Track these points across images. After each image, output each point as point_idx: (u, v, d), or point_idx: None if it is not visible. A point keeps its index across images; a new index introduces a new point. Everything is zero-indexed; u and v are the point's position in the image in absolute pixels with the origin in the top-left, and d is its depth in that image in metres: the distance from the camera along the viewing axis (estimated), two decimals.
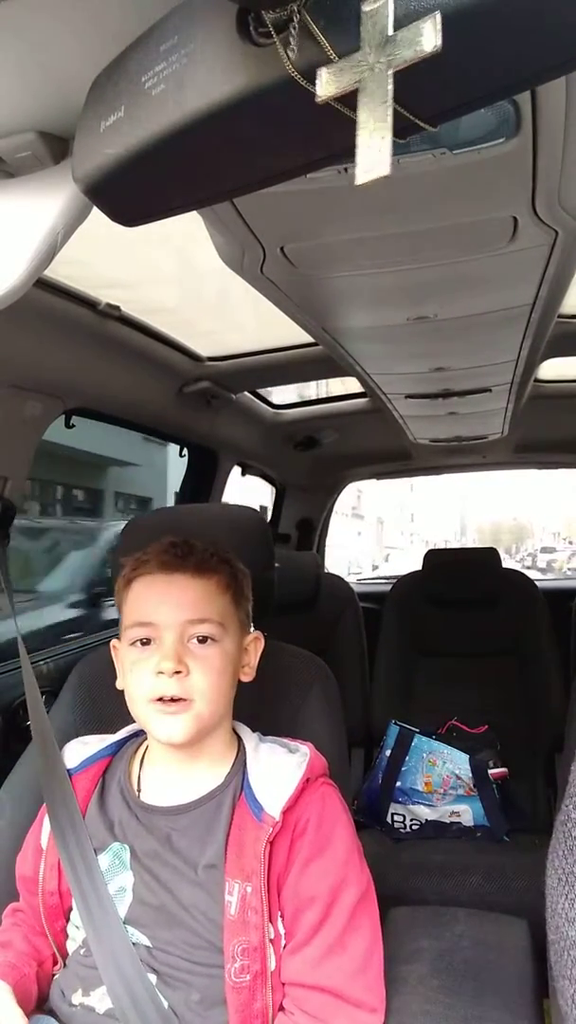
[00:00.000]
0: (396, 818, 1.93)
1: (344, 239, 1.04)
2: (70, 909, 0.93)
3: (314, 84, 0.45)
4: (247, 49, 0.47)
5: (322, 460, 2.70)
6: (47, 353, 1.36)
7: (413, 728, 2.01)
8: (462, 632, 2.32)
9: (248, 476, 2.71)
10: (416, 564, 2.50)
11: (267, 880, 0.84)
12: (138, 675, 0.89)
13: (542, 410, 2.23)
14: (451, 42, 0.40)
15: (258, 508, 2.89)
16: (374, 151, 0.42)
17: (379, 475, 3.46)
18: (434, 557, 2.52)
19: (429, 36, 0.40)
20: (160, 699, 0.87)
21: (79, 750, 0.99)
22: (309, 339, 1.60)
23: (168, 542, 0.93)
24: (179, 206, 0.61)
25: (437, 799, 1.91)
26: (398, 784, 1.95)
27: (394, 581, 2.55)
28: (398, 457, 2.85)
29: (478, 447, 2.67)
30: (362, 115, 0.42)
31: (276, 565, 1.19)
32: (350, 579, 3.69)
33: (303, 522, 3.10)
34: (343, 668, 2.15)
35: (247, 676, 0.96)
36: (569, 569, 15.63)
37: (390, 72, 0.41)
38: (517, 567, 3.41)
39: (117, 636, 0.97)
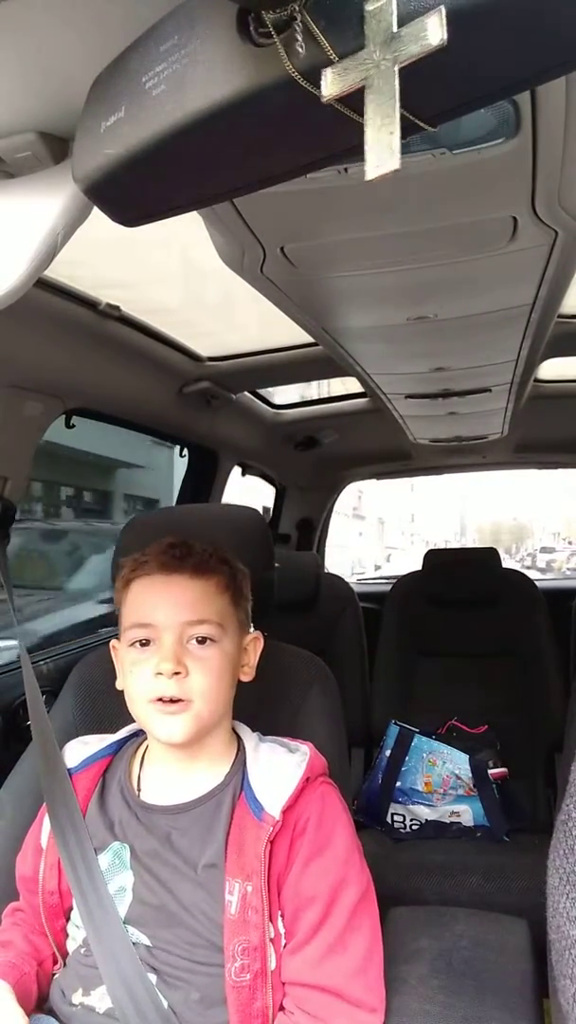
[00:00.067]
0: (396, 818, 1.93)
1: (344, 239, 1.04)
2: (70, 908, 0.93)
3: (314, 84, 0.45)
4: (247, 49, 0.47)
5: (322, 460, 2.70)
6: (47, 353, 1.36)
7: (413, 728, 2.01)
8: (462, 632, 2.32)
9: (251, 477, 2.71)
10: (417, 564, 2.50)
11: (267, 879, 0.84)
12: (137, 676, 0.89)
13: (542, 410, 2.23)
14: (452, 42, 0.40)
15: (261, 509, 2.90)
16: (383, 147, 0.42)
17: (379, 475, 3.46)
18: (434, 557, 2.52)
19: (435, 30, 0.40)
20: (160, 699, 0.87)
21: (79, 750, 0.99)
22: (309, 339, 1.60)
23: (167, 543, 0.93)
24: (179, 206, 0.61)
25: (437, 799, 1.91)
26: (398, 784, 1.95)
27: (394, 581, 2.55)
28: (398, 457, 2.85)
29: (478, 447, 2.67)
30: (369, 112, 0.42)
31: (276, 565, 1.19)
32: (353, 579, 3.70)
33: (303, 522, 3.10)
34: (343, 668, 2.15)
35: (247, 676, 0.96)
36: (568, 569, 15.64)
37: (396, 68, 0.41)
38: (517, 567, 3.40)
39: (117, 636, 0.97)
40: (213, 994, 0.84)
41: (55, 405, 1.47)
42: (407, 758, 1.97)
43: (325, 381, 2.34)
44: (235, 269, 1.14)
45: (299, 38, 0.44)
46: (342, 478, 3.22)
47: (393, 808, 1.94)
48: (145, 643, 0.89)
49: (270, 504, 3.04)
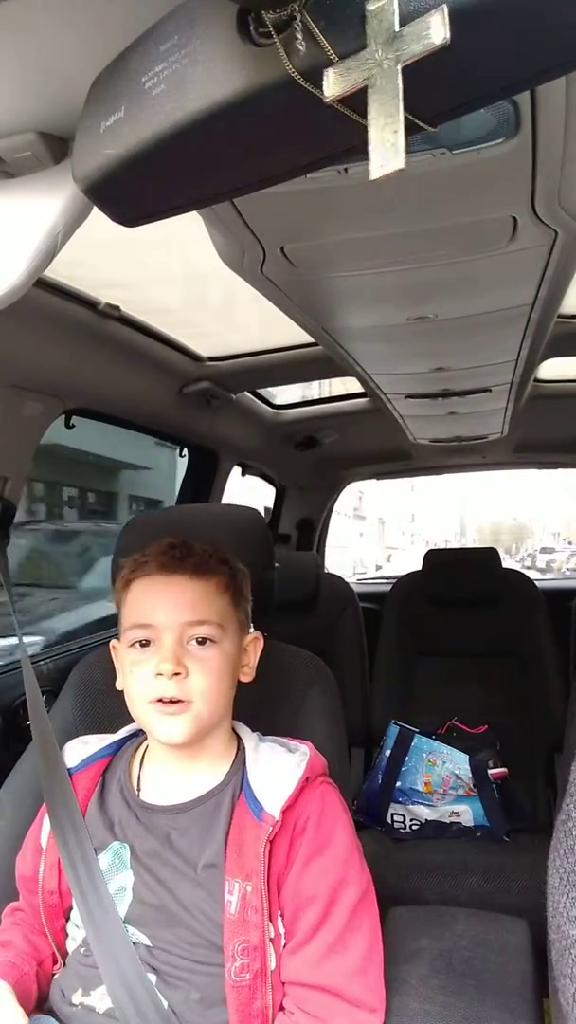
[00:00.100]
0: (396, 818, 1.93)
1: (344, 239, 1.04)
2: (70, 908, 0.93)
3: (314, 84, 0.45)
4: (247, 49, 0.47)
5: (322, 460, 2.70)
6: (47, 353, 1.36)
7: (413, 728, 2.01)
8: (462, 632, 2.32)
9: (252, 479, 2.71)
10: (418, 564, 2.50)
11: (267, 879, 0.84)
12: (137, 676, 0.89)
13: (542, 410, 2.23)
14: (453, 40, 0.40)
15: (263, 510, 2.90)
16: (387, 146, 0.42)
17: (379, 475, 3.46)
18: (434, 557, 2.52)
19: (437, 29, 0.40)
20: (159, 700, 0.87)
21: (79, 750, 0.99)
22: (309, 339, 1.60)
23: (167, 543, 0.93)
24: (179, 206, 0.61)
25: (437, 799, 1.91)
26: (398, 784, 1.95)
27: (394, 581, 2.55)
28: (398, 457, 2.85)
29: (478, 447, 2.67)
30: (373, 112, 0.42)
31: (276, 565, 1.19)
32: (356, 579, 3.69)
33: (303, 522, 3.10)
34: (343, 668, 2.15)
35: (247, 676, 0.96)
36: (568, 569, 15.64)
37: (399, 67, 0.41)
38: (517, 567, 3.41)
39: (117, 636, 0.97)
40: (213, 994, 0.84)
41: (55, 405, 1.47)
42: (407, 758, 1.97)
43: (326, 381, 2.33)
44: (235, 269, 1.14)
45: (299, 38, 0.44)
46: (342, 478, 3.22)
47: (393, 808, 1.94)
48: (145, 644, 0.89)
49: (271, 504, 3.04)
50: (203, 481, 2.33)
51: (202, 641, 0.89)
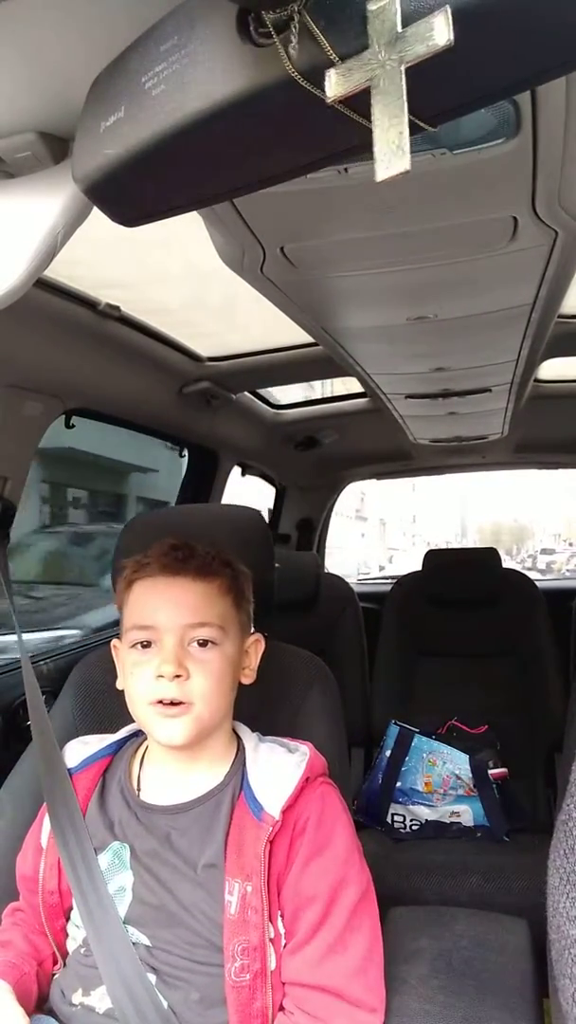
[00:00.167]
0: (396, 818, 1.93)
1: (344, 239, 1.04)
2: (70, 908, 0.93)
3: (315, 84, 0.45)
4: (247, 49, 0.47)
5: (322, 460, 2.70)
6: (47, 353, 1.36)
7: (413, 728, 2.01)
8: (462, 632, 2.32)
9: (253, 481, 2.71)
10: (420, 564, 2.50)
11: (267, 879, 0.84)
12: (138, 678, 0.89)
13: (542, 410, 2.23)
14: (455, 41, 0.40)
15: (266, 512, 2.90)
16: (392, 148, 0.42)
17: (379, 475, 3.46)
18: (434, 557, 2.52)
19: (441, 30, 0.40)
20: (160, 701, 0.87)
21: (79, 750, 0.99)
22: (309, 339, 1.60)
23: (169, 544, 0.93)
24: (179, 206, 0.61)
25: (437, 799, 1.91)
26: (398, 784, 1.95)
27: (395, 581, 2.55)
28: (398, 457, 2.85)
29: (478, 447, 2.67)
30: (377, 113, 0.42)
31: (276, 565, 1.19)
32: (359, 579, 3.69)
33: (303, 522, 3.10)
34: (343, 668, 2.15)
35: (247, 678, 0.95)
36: (568, 570, 15.64)
37: (402, 68, 0.41)
38: (518, 568, 3.41)
39: (118, 636, 0.97)
40: (213, 994, 0.84)
41: (55, 405, 1.47)
42: (407, 758, 1.97)
43: (330, 380, 2.33)
44: (235, 269, 1.14)
45: (299, 38, 0.44)
46: (342, 478, 3.22)
47: (393, 808, 1.94)
48: (146, 645, 0.89)
49: (271, 505, 3.04)
50: (203, 481, 2.33)
51: (203, 643, 0.89)
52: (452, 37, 0.40)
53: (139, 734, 1.00)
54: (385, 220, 0.98)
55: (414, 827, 1.91)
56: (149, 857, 0.90)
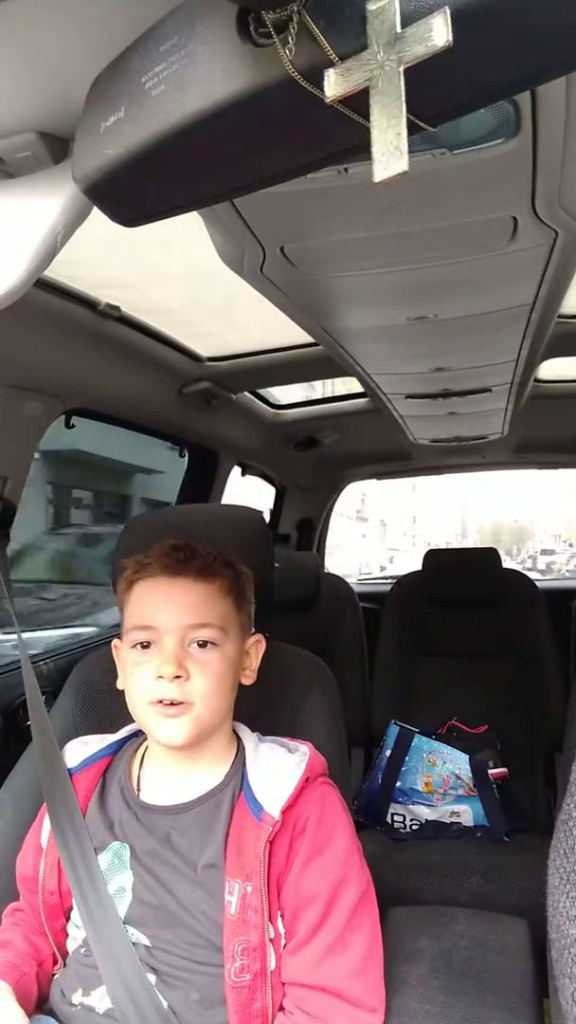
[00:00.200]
0: (396, 818, 1.93)
1: (344, 239, 1.04)
2: (70, 908, 0.93)
3: (315, 84, 0.45)
4: (247, 49, 0.47)
5: (322, 460, 2.70)
6: (47, 353, 1.36)
7: (413, 728, 2.01)
8: (462, 632, 2.32)
9: (255, 483, 2.71)
10: (420, 565, 2.50)
11: (267, 879, 0.84)
12: (138, 678, 0.89)
13: (542, 410, 2.23)
14: (454, 41, 0.40)
15: (268, 513, 2.90)
16: (390, 148, 0.42)
17: (379, 475, 3.46)
18: (434, 557, 2.52)
19: (440, 31, 0.40)
20: (160, 702, 0.87)
21: (79, 750, 0.99)
22: (309, 339, 1.60)
23: (170, 545, 0.93)
24: (179, 206, 0.61)
25: (437, 799, 1.91)
26: (398, 784, 1.95)
27: (395, 581, 2.55)
28: (398, 457, 2.85)
29: (478, 447, 2.67)
30: (375, 113, 0.42)
31: (276, 565, 1.19)
32: (362, 579, 3.68)
33: (303, 522, 3.10)
34: (343, 668, 2.15)
35: (248, 679, 0.95)
36: (567, 571, 15.64)
37: (401, 69, 0.41)
38: (518, 569, 3.41)
39: (118, 636, 0.97)
40: (213, 994, 0.84)
41: (55, 405, 1.47)
42: (407, 758, 1.97)
43: (329, 380, 2.34)
44: (235, 269, 1.14)
45: (299, 38, 0.44)
46: (342, 478, 3.22)
47: (393, 808, 1.94)
48: (146, 645, 0.89)
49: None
50: (203, 481, 2.33)
51: (203, 644, 0.89)
52: (451, 38, 0.40)
53: (139, 734, 1.00)
54: (385, 220, 0.98)
55: (414, 827, 1.91)
56: (149, 857, 0.90)
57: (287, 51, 0.45)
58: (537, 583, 2.41)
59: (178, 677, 0.86)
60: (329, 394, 2.47)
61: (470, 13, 0.41)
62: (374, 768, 2.02)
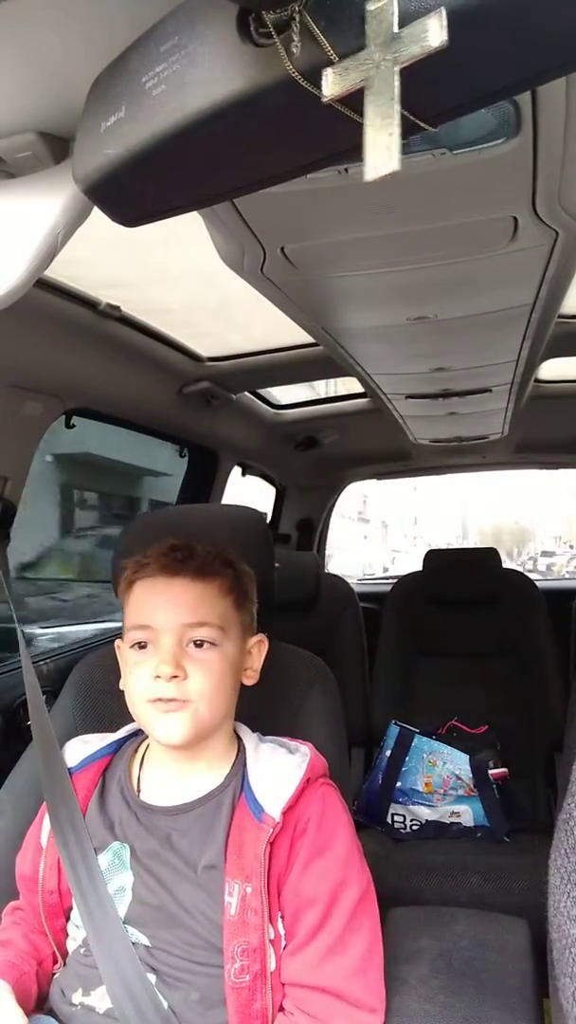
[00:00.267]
0: (396, 818, 1.93)
1: (344, 239, 1.04)
2: (70, 908, 0.93)
3: (315, 84, 0.45)
4: (247, 49, 0.47)
5: (322, 460, 2.70)
6: (47, 353, 1.36)
7: (413, 728, 2.01)
8: (462, 632, 2.32)
9: (256, 484, 2.71)
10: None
11: (267, 881, 0.84)
12: (136, 677, 0.89)
13: (542, 410, 2.23)
14: (453, 41, 0.40)
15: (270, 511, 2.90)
16: (382, 148, 0.42)
17: (379, 475, 3.46)
18: (434, 557, 2.52)
19: (435, 32, 0.40)
20: (159, 699, 0.87)
21: (80, 749, 0.99)
22: (309, 339, 1.60)
23: (169, 545, 0.93)
24: (179, 206, 0.61)
25: (437, 799, 1.91)
26: (398, 784, 1.95)
27: (395, 581, 2.55)
28: (398, 457, 2.85)
29: (478, 447, 2.67)
30: (369, 113, 0.42)
31: (276, 565, 1.19)
32: (366, 579, 3.68)
33: (303, 522, 3.10)
34: (343, 668, 2.15)
35: (250, 680, 0.95)
36: (567, 572, 15.64)
37: (396, 69, 0.41)
38: (518, 570, 3.42)
39: (120, 636, 0.97)
40: (213, 995, 0.84)
41: (55, 405, 1.47)
42: (407, 758, 1.97)
43: (331, 380, 2.34)
44: (235, 269, 1.14)
45: (299, 38, 0.44)
46: (342, 478, 3.22)
47: (393, 808, 1.94)
48: (144, 645, 0.89)
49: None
50: (203, 481, 2.33)
51: (201, 644, 0.88)
52: (446, 39, 0.40)
53: (139, 733, 1.00)
54: (385, 220, 0.98)
55: (414, 827, 1.91)
56: (149, 858, 0.90)
57: (287, 51, 0.45)
58: (538, 583, 2.41)
59: (175, 677, 0.86)
60: (332, 394, 2.47)
61: (470, 13, 0.41)
62: (374, 768, 2.02)
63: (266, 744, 0.95)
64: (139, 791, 0.95)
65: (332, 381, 2.32)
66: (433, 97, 0.47)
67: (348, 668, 2.24)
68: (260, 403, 2.26)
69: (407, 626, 2.37)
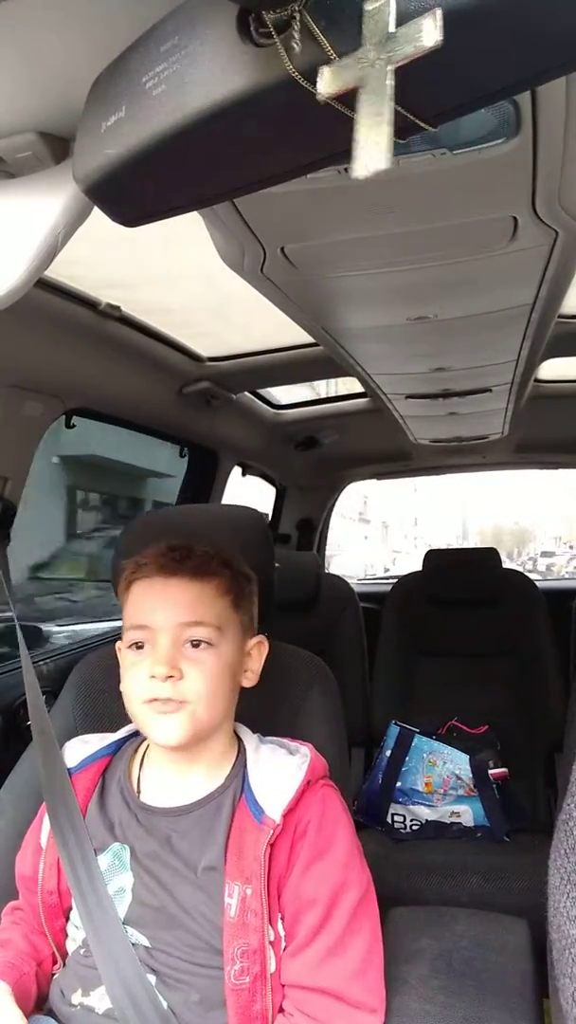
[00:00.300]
0: (396, 818, 1.93)
1: (344, 239, 1.04)
2: (69, 909, 0.93)
3: (315, 84, 0.45)
4: (248, 49, 0.47)
5: (322, 460, 2.70)
6: (47, 353, 1.36)
7: (413, 728, 2.01)
8: (462, 632, 2.32)
9: (257, 484, 2.71)
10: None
11: (267, 882, 0.84)
12: (133, 677, 0.88)
13: (542, 410, 2.23)
14: (451, 41, 0.40)
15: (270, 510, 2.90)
16: (372, 145, 0.42)
17: (379, 475, 3.46)
18: (434, 557, 2.52)
19: (429, 32, 0.40)
20: (155, 700, 0.86)
21: (80, 748, 0.99)
22: (309, 339, 1.60)
23: (166, 545, 0.92)
24: (179, 206, 0.61)
25: (437, 799, 1.91)
26: (398, 784, 1.95)
27: (395, 581, 2.56)
28: (398, 457, 2.85)
29: (478, 447, 2.67)
30: (362, 111, 0.42)
31: (276, 565, 1.19)
32: (366, 579, 3.68)
33: (303, 522, 3.10)
34: (343, 668, 2.15)
35: (249, 682, 0.94)
36: (567, 572, 15.65)
37: (390, 68, 0.41)
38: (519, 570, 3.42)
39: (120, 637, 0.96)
40: (213, 996, 0.84)
41: (55, 405, 1.47)
42: (407, 758, 1.97)
43: (332, 380, 2.34)
44: (235, 269, 1.14)
45: (299, 38, 0.44)
46: (342, 478, 3.22)
47: (393, 808, 1.94)
48: (142, 645, 0.89)
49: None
50: (203, 481, 2.33)
51: (197, 643, 0.88)
52: (440, 38, 0.40)
53: (139, 734, 1.00)
54: (385, 220, 0.98)
55: (414, 827, 1.91)
56: (149, 859, 0.90)
57: (287, 51, 0.45)
58: (538, 583, 2.41)
59: (171, 677, 0.85)
60: (333, 394, 2.47)
61: (470, 13, 0.41)
62: (374, 768, 2.02)
63: (266, 745, 0.95)
64: (139, 792, 0.94)
65: (332, 381, 2.32)
66: (433, 97, 0.47)
67: (348, 668, 2.24)
68: (260, 403, 2.26)
69: (407, 626, 2.37)
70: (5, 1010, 0.82)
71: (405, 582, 2.49)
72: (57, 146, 0.66)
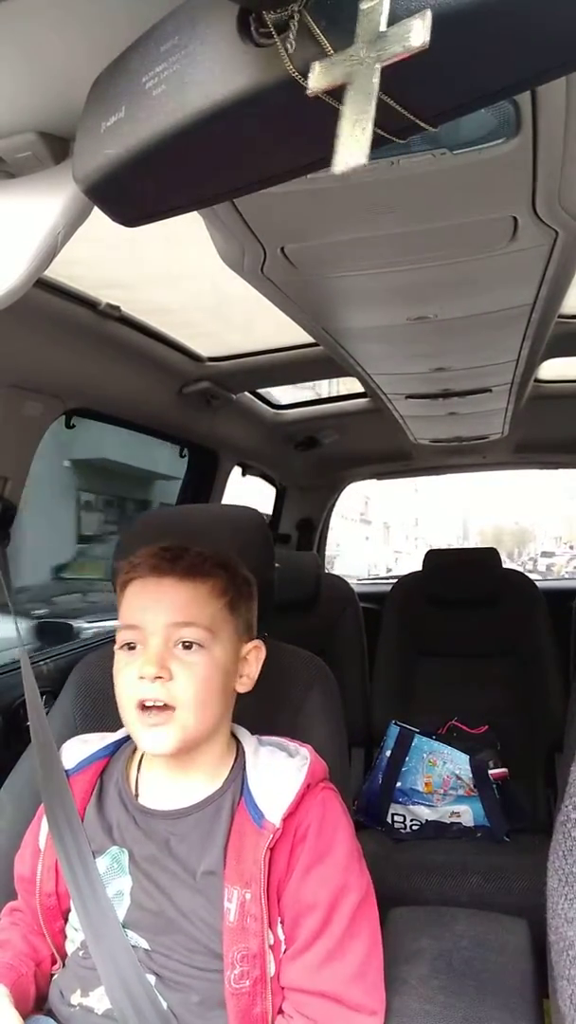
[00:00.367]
0: (396, 818, 1.93)
1: (344, 239, 1.04)
2: (68, 910, 0.93)
3: None
4: (248, 49, 0.47)
5: (322, 460, 2.70)
6: (47, 353, 1.36)
7: (413, 728, 2.01)
8: (462, 632, 2.32)
9: (257, 485, 2.71)
10: None
11: (267, 886, 0.83)
12: (123, 679, 0.87)
13: (542, 410, 2.23)
14: (451, 41, 0.40)
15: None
16: (353, 141, 0.42)
17: (379, 475, 3.46)
18: (434, 557, 2.52)
19: (418, 32, 0.40)
20: (144, 707, 0.85)
21: (79, 749, 0.98)
22: (309, 339, 1.60)
23: (160, 546, 0.91)
24: (179, 206, 0.61)
25: (437, 799, 1.91)
26: (398, 784, 1.95)
27: (395, 581, 2.56)
28: (398, 457, 2.85)
29: (478, 447, 2.67)
30: (347, 107, 0.42)
31: (276, 565, 1.19)
32: (365, 580, 3.68)
33: (303, 522, 3.10)
34: (343, 668, 2.15)
35: (244, 687, 0.93)
36: (567, 572, 15.65)
37: (378, 66, 0.41)
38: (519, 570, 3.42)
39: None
40: (213, 998, 0.84)
41: (55, 405, 1.47)
42: (407, 758, 1.97)
43: (333, 380, 2.34)
44: (235, 269, 1.14)
45: (300, 38, 0.44)
46: (342, 478, 3.22)
47: (393, 808, 1.94)
48: (133, 646, 0.88)
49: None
50: (203, 482, 2.33)
51: (188, 645, 0.86)
52: (428, 40, 0.40)
53: None
54: (385, 220, 0.98)
55: (414, 827, 1.91)
56: (148, 863, 0.89)
57: (288, 51, 0.45)
58: (538, 583, 2.41)
59: (159, 678, 0.84)
60: (334, 393, 2.47)
61: (468, 13, 0.41)
62: (374, 768, 2.02)
63: (265, 747, 0.94)
64: (137, 794, 0.94)
65: (332, 381, 2.32)
66: (433, 97, 0.47)
67: (348, 668, 2.24)
68: (260, 403, 2.26)
69: (407, 626, 2.37)
70: (3, 1013, 0.82)
71: (405, 582, 2.49)
72: (57, 146, 0.66)
